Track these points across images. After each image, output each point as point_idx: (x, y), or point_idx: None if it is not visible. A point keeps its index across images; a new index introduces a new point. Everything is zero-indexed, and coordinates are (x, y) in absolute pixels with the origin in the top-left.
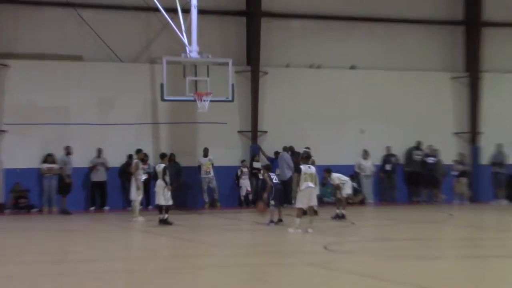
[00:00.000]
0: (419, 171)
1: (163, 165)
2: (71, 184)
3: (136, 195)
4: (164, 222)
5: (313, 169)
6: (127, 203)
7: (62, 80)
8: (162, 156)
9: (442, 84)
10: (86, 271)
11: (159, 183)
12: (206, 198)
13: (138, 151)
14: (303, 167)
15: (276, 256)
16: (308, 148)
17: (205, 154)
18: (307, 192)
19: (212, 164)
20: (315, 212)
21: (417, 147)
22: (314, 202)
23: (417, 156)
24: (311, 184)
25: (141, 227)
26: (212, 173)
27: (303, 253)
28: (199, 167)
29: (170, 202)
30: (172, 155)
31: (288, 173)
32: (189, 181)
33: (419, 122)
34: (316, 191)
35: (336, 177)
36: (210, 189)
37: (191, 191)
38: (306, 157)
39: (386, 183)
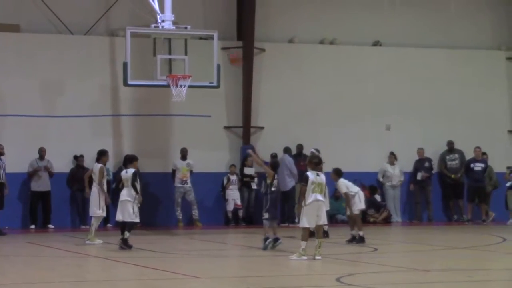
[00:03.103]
0: (456, 181)
1: (133, 170)
2: (4, 195)
3: (101, 211)
4: (124, 242)
5: (323, 177)
6: (80, 220)
7: None
8: (131, 159)
9: (494, 66)
10: None
11: (126, 192)
12: (179, 214)
13: (103, 153)
14: (310, 174)
15: None
16: (317, 150)
17: (183, 157)
18: (315, 206)
19: (191, 171)
20: (325, 234)
21: (450, 149)
22: (323, 220)
23: (451, 162)
24: (320, 197)
25: (98, 251)
26: (189, 183)
27: (309, 287)
28: (173, 173)
29: (137, 219)
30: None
31: (290, 183)
32: (160, 191)
33: (463, 116)
34: (325, 206)
35: (344, 184)
36: (187, 203)
37: (161, 205)
38: (317, 163)
39: (418, 197)
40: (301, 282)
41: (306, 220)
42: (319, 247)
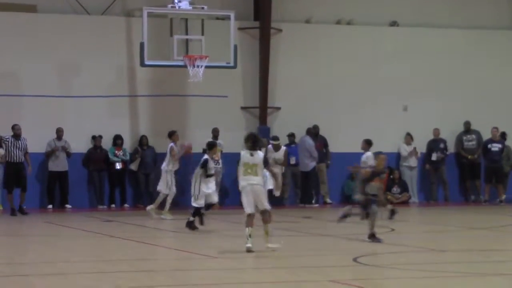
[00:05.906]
0: (473, 162)
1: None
2: (26, 176)
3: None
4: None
5: (258, 157)
6: (97, 200)
7: (9, 37)
8: (212, 145)
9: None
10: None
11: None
12: None
13: (172, 133)
14: (244, 154)
15: (290, 271)
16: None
17: (215, 137)
18: (250, 192)
19: (221, 151)
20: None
21: (467, 130)
22: (265, 204)
23: (468, 142)
24: (254, 181)
25: (116, 231)
26: (220, 163)
27: (326, 267)
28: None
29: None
30: (143, 138)
31: (311, 163)
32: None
33: (481, 96)
34: (269, 184)
35: (370, 157)
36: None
37: (179, 185)
38: (253, 143)
39: (433, 177)
40: (318, 261)
41: (244, 206)
42: (267, 233)
